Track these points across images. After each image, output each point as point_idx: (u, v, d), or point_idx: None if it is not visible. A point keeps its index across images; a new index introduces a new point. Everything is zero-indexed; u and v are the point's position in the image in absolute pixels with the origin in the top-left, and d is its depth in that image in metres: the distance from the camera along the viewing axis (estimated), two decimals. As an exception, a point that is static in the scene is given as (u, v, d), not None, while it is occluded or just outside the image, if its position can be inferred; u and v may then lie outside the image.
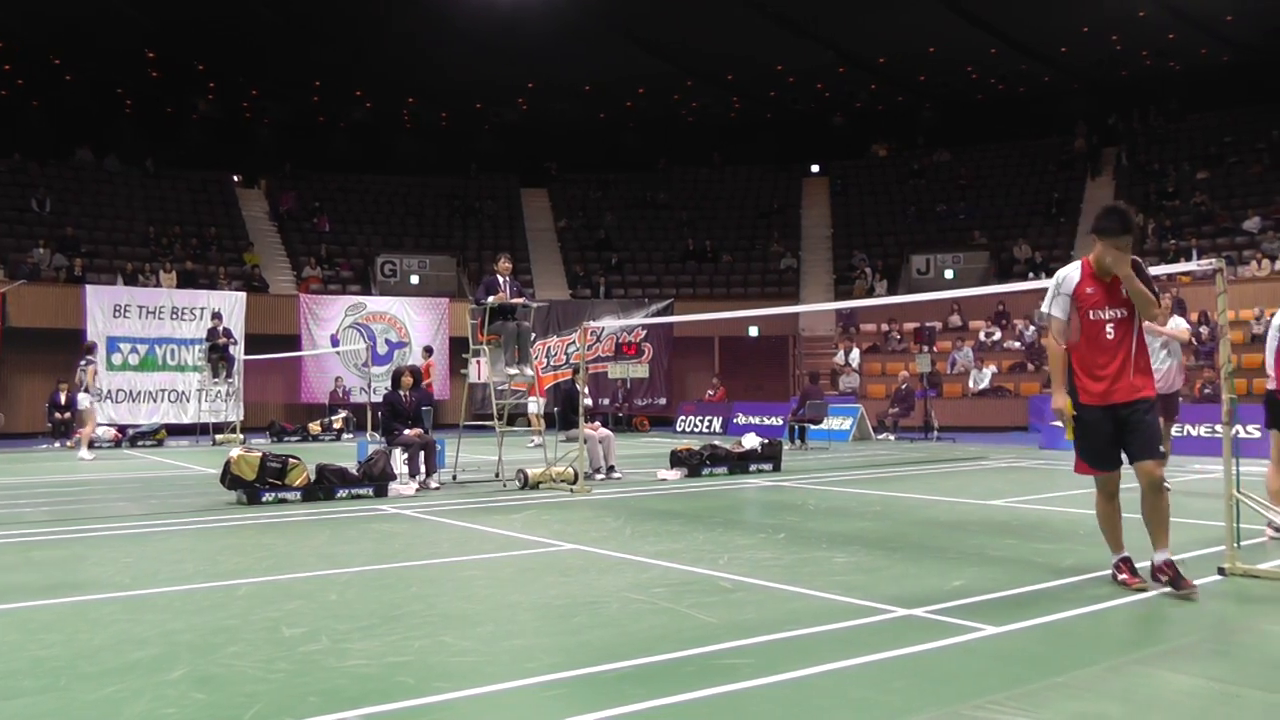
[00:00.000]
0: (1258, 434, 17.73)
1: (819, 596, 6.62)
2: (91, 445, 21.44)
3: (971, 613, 6.07)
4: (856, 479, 15.16)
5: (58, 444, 24.67)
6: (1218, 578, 6.98)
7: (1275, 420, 8.84)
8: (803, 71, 36.95)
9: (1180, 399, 11.18)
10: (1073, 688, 4.64)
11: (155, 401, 27.33)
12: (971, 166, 39.33)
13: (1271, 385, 8.92)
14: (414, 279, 34.34)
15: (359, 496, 12.55)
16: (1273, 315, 9.60)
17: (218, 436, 24.96)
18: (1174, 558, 6.58)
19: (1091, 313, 6.60)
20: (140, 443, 24.51)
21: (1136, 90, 37.88)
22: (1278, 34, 32.78)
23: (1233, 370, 7.39)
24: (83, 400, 21.38)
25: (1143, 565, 6.77)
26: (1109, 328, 6.56)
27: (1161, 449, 6.60)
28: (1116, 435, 6.59)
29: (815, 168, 41.44)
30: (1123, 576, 6.71)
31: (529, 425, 21.63)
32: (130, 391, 27.62)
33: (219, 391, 25.70)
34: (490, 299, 14.65)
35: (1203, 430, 14.45)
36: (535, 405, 21.46)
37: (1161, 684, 4.73)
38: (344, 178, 39.20)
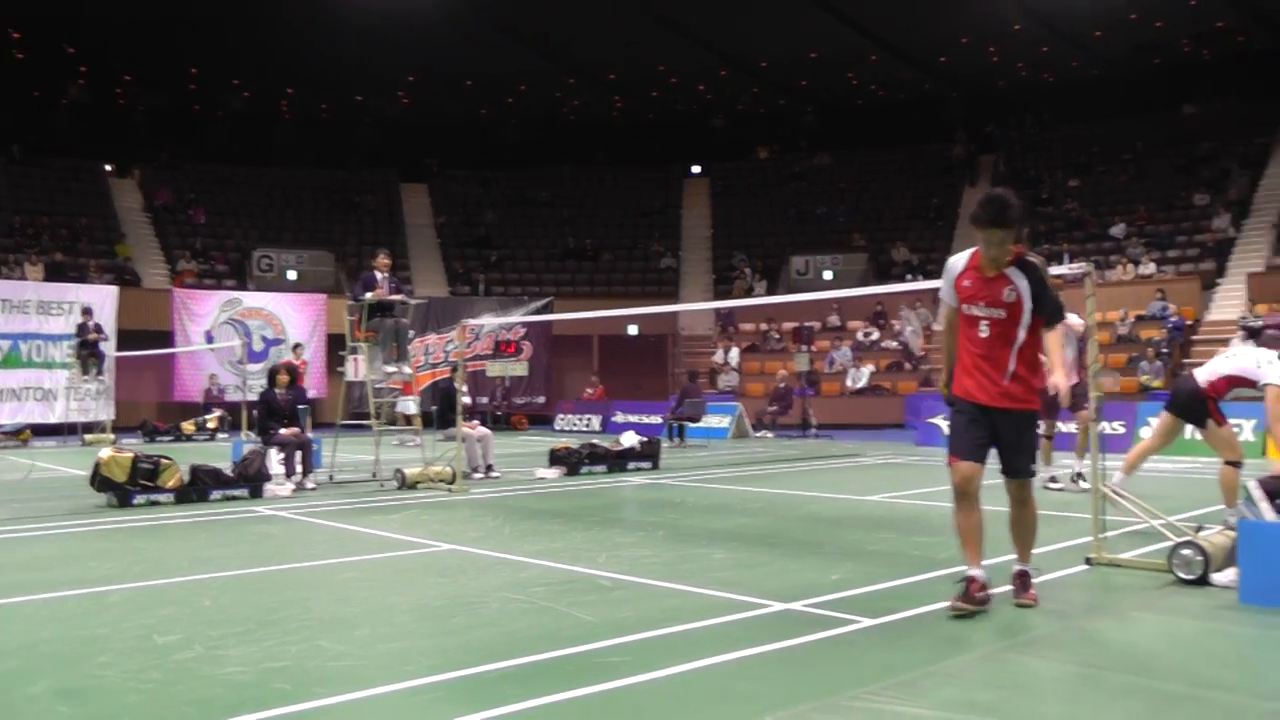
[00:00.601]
0: (1122, 429, 18.36)
1: (698, 593, 6.64)
2: None
3: (849, 606, 6.17)
4: (735, 476, 15.26)
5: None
6: (1084, 567, 7.22)
7: (1184, 411, 9.17)
8: (685, 73, 37.17)
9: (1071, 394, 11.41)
10: (947, 675, 4.75)
11: (19, 400, 26.30)
12: (852, 170, 39.94)
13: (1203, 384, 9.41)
14: (291, 274, 33.74)
15: (234, 498, 12.27)
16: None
17: (87, 436, 24.17)
18: (1028, 568, 6.40)
19: (966, 306, 6.16)
20: (2, 443, 23.64)
21: (1013, 100, 38.93)
22: (1142, 50, 34.08)
23: (1099, 370, 7.61)
24: None
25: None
26: (983, 325, 6.08)
27: (1034, 467, 6.40)
28: (987, 434, 6.17)
29: (697, 169, 41.69)
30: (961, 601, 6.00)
31: (407, 424, 21.28)
32: (-8, 389, 26.58)
33: (88, 389, 24.89)
34: (368, 295, 14.45)
35: (1072, 427, 14.79)
36: (412, 405, 20.94)
37: (1031, 669, 4.88)
38: (221, 169, 38.34)
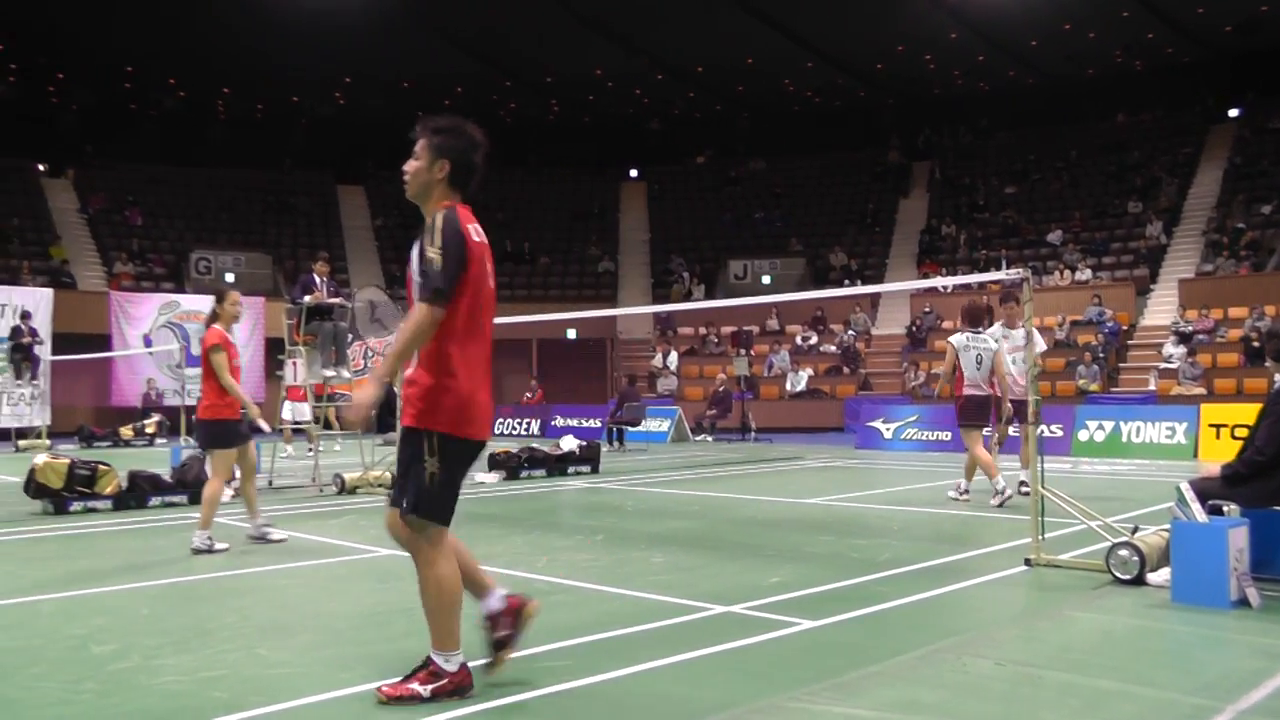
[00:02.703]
0: (1060, 432, 18.63)
1: (637, 596, 6.65)
2: None
3: (789, 608, 6.18)
4: (675, 480, 15.28)
5: None
6: (1024, 568, 7.30)
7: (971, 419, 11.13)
8: (621, 77, 37.22)
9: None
10: (888, 675, 4.78)
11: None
12: (787, 175, 40.14)
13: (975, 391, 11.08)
14: (229, 276, 33.31)
15: (173, 504, 12.09)
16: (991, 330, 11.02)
17: (21, 442, 23.64)
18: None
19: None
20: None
21: (949, 108, 39.36)
22: (1076, 60, 34.60)
23: (1038, 374, 7.70)
24: None
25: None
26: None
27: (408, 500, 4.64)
28: None
29: (634, 172, 41.73)
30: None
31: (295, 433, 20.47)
32: (-79, 394, 25.97)
33: (23, 394, 24.44)
34: (306, 298, 14.32)
35: (1011, 430, 15.04)
36: (306, 410, 20.04)
37: (970, 669, 4.90)
38: (156, 169, 37.77)
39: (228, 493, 12.86)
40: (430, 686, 4.51)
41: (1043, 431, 7.47)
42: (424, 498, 4.52)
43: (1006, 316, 12.66)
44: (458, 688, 4.55)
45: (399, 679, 4.57)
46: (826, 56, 35.17)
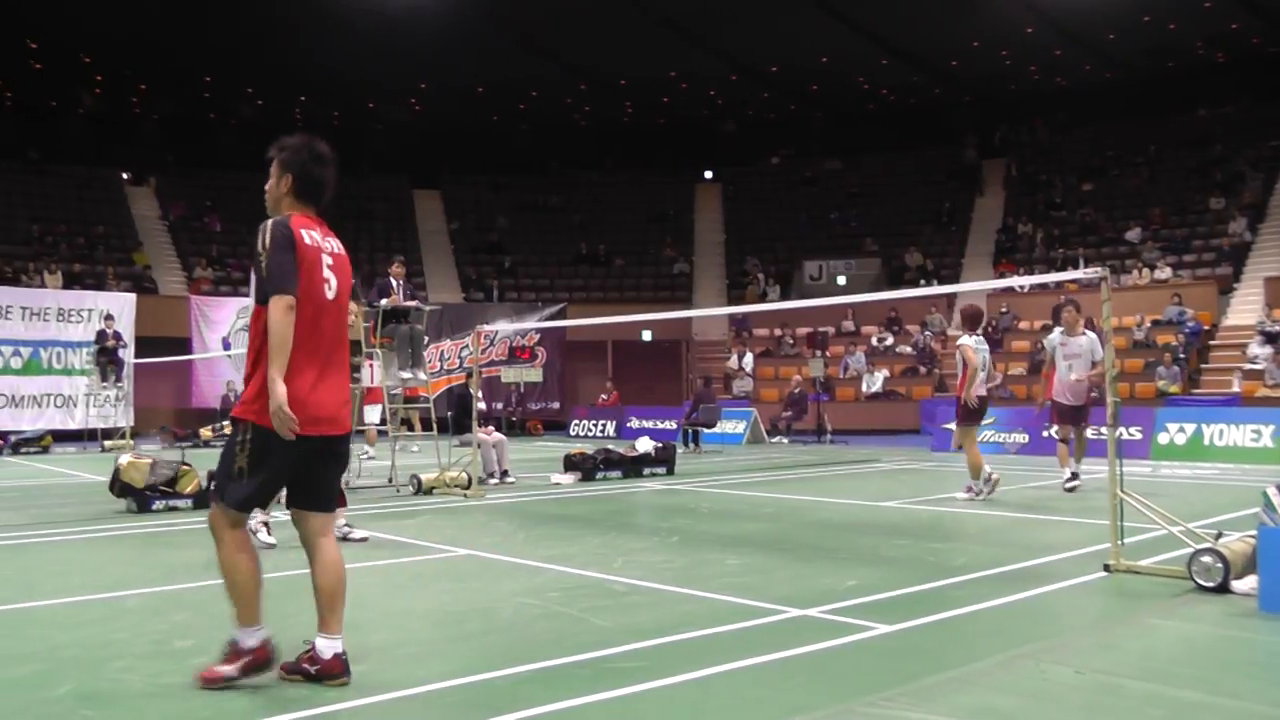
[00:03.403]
0: (1140, 435, 18.31)
1: (713, 598, 6.63)
2: None
3: (865, 612, 6.12)
4: (750, 482, 15.24)
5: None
6: (1103, 574, 7.17)
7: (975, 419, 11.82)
8: (695, 79, 37.14)
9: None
10: (964, 682, 4.72)
11: (40, 406, 26.37)
12: (863, 175, 39.86)
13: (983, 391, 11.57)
14: (305, 281, 33.79)
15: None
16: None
17: (106, 443, 24.18)
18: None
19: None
20: (24, 449, 23.64)
21: (1025, 104, 38.83)
22: (1154, 53, 33.94)
23: (1116, 375, 7.58)
24: None
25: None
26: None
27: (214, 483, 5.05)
28: None
29: (708, 174, 41.67)
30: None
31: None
32: (13, 396, 26.45)
33: (108, 396, 24.95)
34: (383, 301, 14.47)
35: (1089, 432, 14.84)
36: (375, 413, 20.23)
37: (1049, 676, 4.82)
38: (235, 176, 38.38)
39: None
40: (236, 665, 4.74)
41: (1121, 434, 7.35)
42: (229, 484, 4.79)
43: (1066, 322, 12.69)
44: (260, 663, 4.77)
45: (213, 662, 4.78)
46: (901, 54, 34.86)
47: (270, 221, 4.85)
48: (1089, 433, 12.40)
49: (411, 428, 17.67)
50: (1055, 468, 13.63)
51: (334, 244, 5.07)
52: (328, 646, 4.87)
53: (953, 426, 12.59)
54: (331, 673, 4.79)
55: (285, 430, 4.58)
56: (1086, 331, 13.04)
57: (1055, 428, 13.22)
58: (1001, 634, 5.79)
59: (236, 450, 4.78)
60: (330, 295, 4.89)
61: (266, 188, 5.13)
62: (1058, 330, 13.16)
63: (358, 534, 9.33)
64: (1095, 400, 12.08)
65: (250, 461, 4.76)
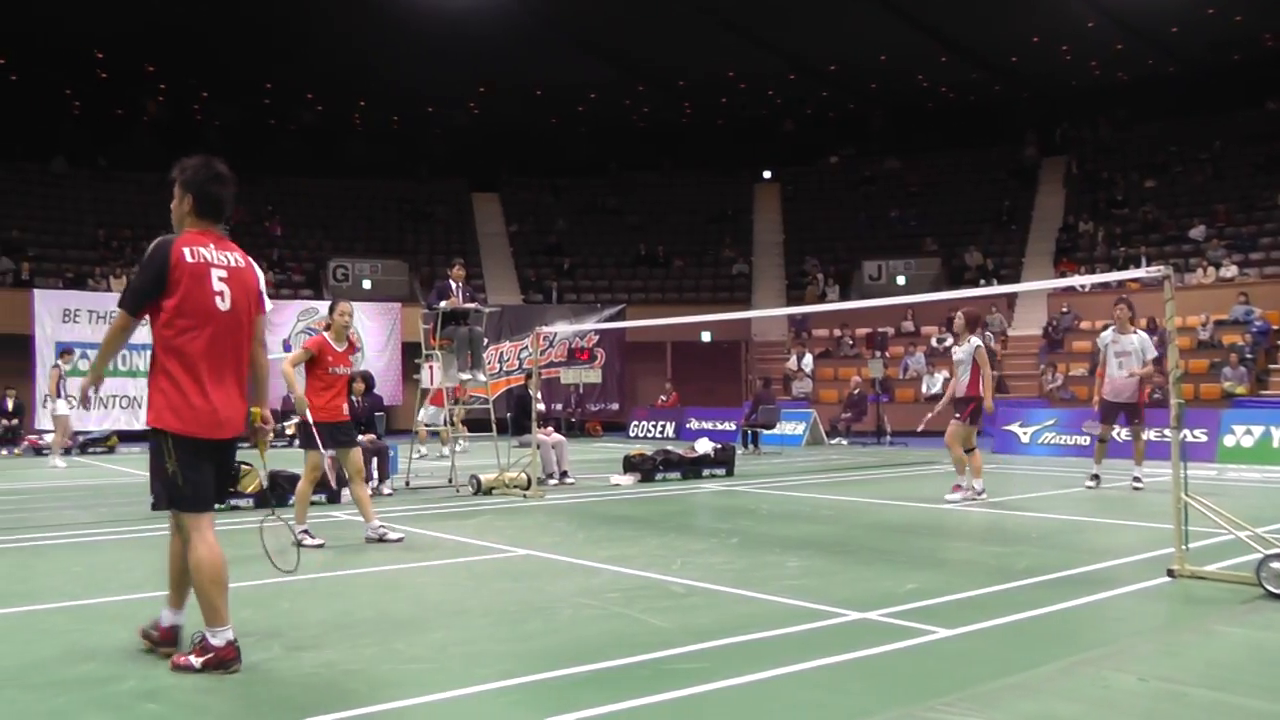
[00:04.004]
0: (1205, 437, 18.03)
1: (772, 601, 6.62)
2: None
3: (925, 615, 6.09)
4: (809, 483, 15.20)
5: (5, 451, 24.29)
6: (1166, 579, 7.06)
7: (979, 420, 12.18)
8: (753, 78, 37.05)
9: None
10: (1025, 688, 4.68)
11: (106, 407, 26.85)
12: (922, 174, 39.57)
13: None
14: (366, 283, 34.16)
15: (312, 503, 12.39)
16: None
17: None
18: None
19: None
20: (91, 449, 24.07)
21: (1085, 100, 38.27)
22: (1219, 47, 33.35)
23: (1180, 375, 7.48)
24: (60, 406, 20.84)
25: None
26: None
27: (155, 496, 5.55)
28: None
29: (767, 174, 41.53)
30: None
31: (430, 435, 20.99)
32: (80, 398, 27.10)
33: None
34: (443, 304, 14.58)
35: (1151, 434, 14.69)
36: (426, 414, 20.49)
37: (1111, 683, 4.76)
38: (295, 181, 38.86)
39: (385, 489, 13.26)
40: (201, 659, 5.05)
41: (1185, 436, 7.25)
42: (172, 491, 5.19)
43: (1117, 320, 12.67)
44: (221, 662, 5.05)
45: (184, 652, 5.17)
46: (961, 50, 34.55)
47: (155, 242, 5.27)
48: (1150, 435, 12.30)
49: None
50: (1117, 470, 13.52)
51: (232, 257, 5.36)
52: (167, 616, 5.38)
53: (955, 425, 12.50)
54: (165, 640, 5.32)
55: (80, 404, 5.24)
56: (1138, 330, 13.00)
57: (1099, 427, 13.32)
58: (1063, 639, 5.73)
59: (166, 457, 5.13)
60: (223, 306, 5.21)
61: (171, 206, 5.53)
62: (1110, 329, 13.12)
63: (393, 535, 9.42)
64: (1156, 401, 12.02)
65: (174, 466, 5.13)
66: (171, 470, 5.12)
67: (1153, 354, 12.89)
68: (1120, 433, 14.87)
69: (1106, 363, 13.04)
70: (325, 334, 9.52)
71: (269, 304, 5.72)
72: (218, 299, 5.18)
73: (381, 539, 9.31)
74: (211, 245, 5.32)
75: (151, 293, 5.11)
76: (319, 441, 9.35)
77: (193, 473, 5.14)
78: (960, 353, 12.42)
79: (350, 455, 9.56)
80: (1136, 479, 12.93)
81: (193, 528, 5.17)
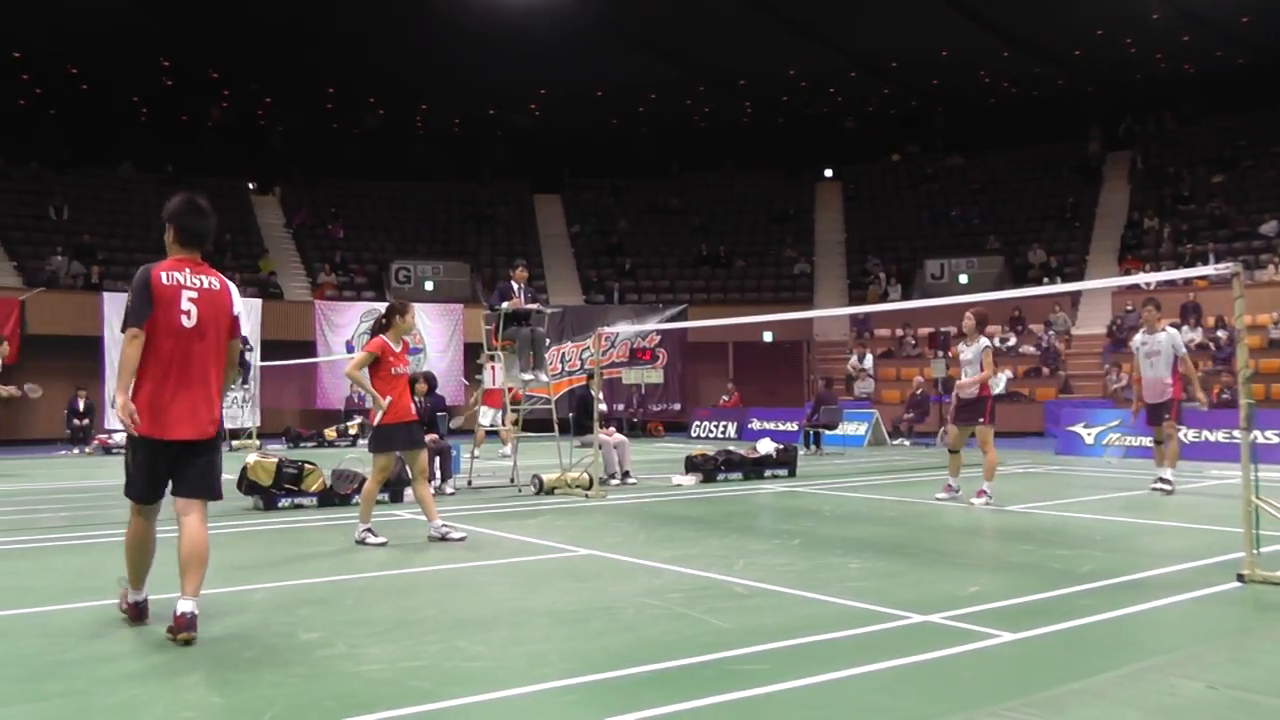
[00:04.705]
0: (1276, 439, 17.70)
1: (834, 602, 6.60)
2: None
3: (988, 619, 6.04)
4: (872, 484, 15.14)
5: (76, 450, 24.74)
6: (1236, 584, 6.93)
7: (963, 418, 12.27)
8: (814, 76, 36.93)
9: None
10: (1090, 694, 4.62)
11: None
12: (984, 171, 39.21)
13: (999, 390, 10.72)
14: (428, 285, 34.46)
15: (375, 502, 12.52)
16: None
17: (234, 442, 24.88)
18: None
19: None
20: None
21: (1151, 93, 37.70)
22: (1292, 36, 32.65)
23: (1250, 375, 7.36)
24: None
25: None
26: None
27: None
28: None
29: (828, 172, 41.37)
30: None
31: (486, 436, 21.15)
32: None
33: (235, 397, 25.66)
34: (505, 305, 14.66)
35: (1220, 435, 14.45)
36: (489, 416, 20.70)
37: (1179, 691, 4.68)
38: (357, 184, 39.29)
39: (447, 488, 13.38)
40: (122, 605, 6.26)
41: (1255, 438, 7.12)
42: (127, 480, 6.06)
43: (1145, 320, 12.60)
44: (135, 616, 6.19)
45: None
46: (1023, 45, 34.17)
47: (139, 271, 6.02)
48: (1219, 436, 12.12)
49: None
50: (1187, 473, 13.34)
51: (206, 280, 6.10)
52: (180, 605, 5.79)
53: (983, 428, 12.42)
54: (178, 627, 5.69)
55: (130, 426, 5.71)
56: (1166, 328, 12.87)
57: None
58: (1128, 645, 5.66)
59: (128, 455, 6.07)
60: (189, 324, 5.93)
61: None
62: (1140, 331, 13.01)
63: (455, 534, 9.48)
64: (1225, 401, 11.86)
65: (132, 460, 6.03)
66: (128, 464, 6.05)
67: (1182, 350, 12.76)
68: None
69: (1140, 365, 12.93)
70: (385, 335, 9.60)
71: (245, 326, 6.54)
72: (184, 317, 5.91)
73: (444, 538, 9.39)
74: (188, 270, 6.05)
75: (145, 310, 5.82)
76: (391, 442, 9.46)
77: (137, 467, 5.98)
78: (970, 353, 12.39)
79: (417, 456, 9.63)
80: (1164, 480, 12.71)
81: (136, 511, 6.10)
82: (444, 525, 9.52)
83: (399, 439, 9.51)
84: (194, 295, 5.98)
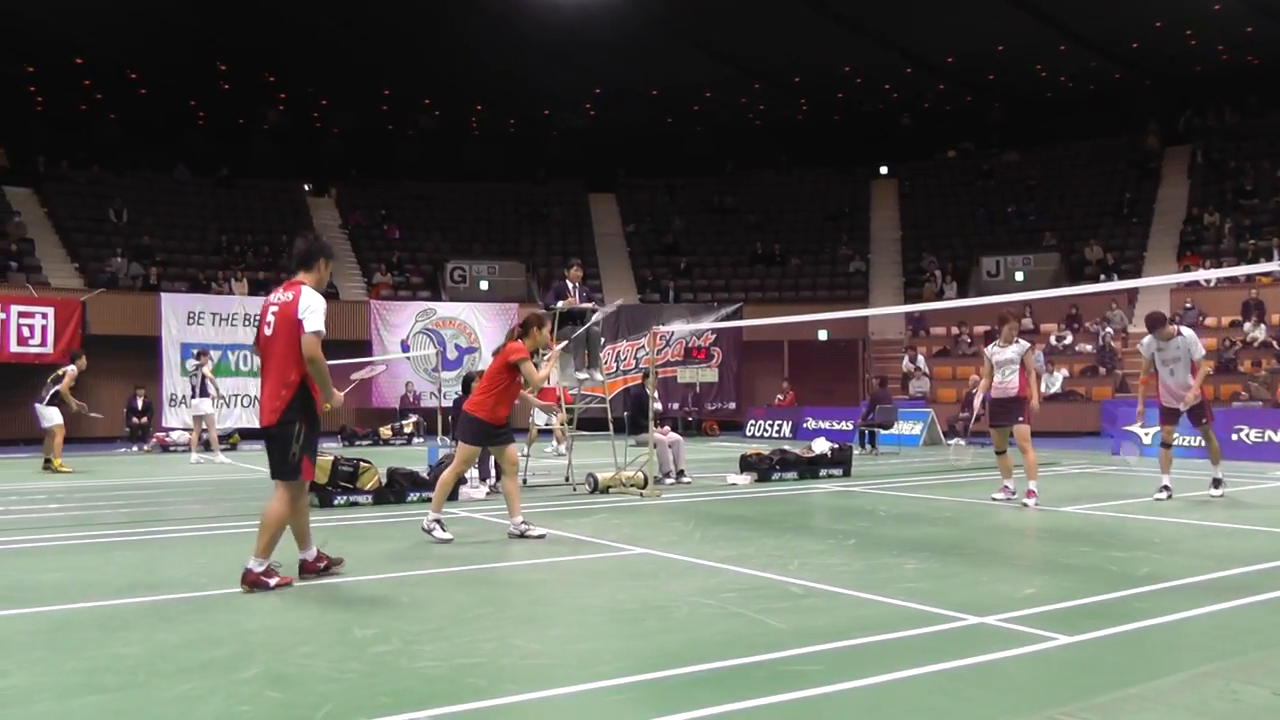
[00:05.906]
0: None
1: (890, 603, 6.58)
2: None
3: (1044, 621, 6.01)
4: (927, 484, 15.07)
5: (135, 448, 25.10)
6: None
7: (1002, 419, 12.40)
8: (870, 73, 36.71)
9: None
10: (1147, 699, 4.57)
11: (228, 406, 27.66)
12: (1041, 167, 38.79)
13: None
14: (483, 284, 34.65)
15: (430, 500, 12.60)
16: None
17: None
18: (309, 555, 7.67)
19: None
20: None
21: (1211, 86, 37.05)
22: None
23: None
24: (201, 405, 21.38)
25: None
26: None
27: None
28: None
29: (884, 169, 41.11)
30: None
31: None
32: (204, 397, 27.98)
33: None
34: (560, 304, 14.70)
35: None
36: (542, 417, 20.62)
37: (1242, 697, 4.61)
38: (413, 185, 39.56)
39: (483, 489, 13.43)
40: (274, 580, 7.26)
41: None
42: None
43: (1160, 330, 12.44)
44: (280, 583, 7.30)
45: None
46: (1080, 38, 33.71)
47: None
48: (1249, 435, 11.91)
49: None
50: (1241, 473, 13.16)
51: (283, 295, 7.33)
52: (250, 560, 7.19)
53: (1021, 426, 12.34)
54: (244, 580, 7.11)
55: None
56: (1179, 331, 12.66)
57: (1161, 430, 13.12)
58: (1189, 650, 5.59)
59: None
60: (268, 332, 7.31)
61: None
62: (1149, 337, 12.79)
63: (535, 531, 9.55)
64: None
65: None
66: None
67: (1200, 353, 12.55)
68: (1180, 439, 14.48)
69: (1157, 369, 12.67)
70: (523, 342, 9.81)
71: (310, 324, 7.20)
72: (265, 328, 7.33)
73: (523, 535, 9.48)
74: (280, 290, 7.41)
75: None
76: (485, 438, 9.67)
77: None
78: (1009, 353, 12.31)
79: (506, 450, 9.74)
80: (1217, 480, 12.54)
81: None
82: (524, 522, 9.60)
83: (496, 434, 9.61)
84: (275, 309, 7.32)
